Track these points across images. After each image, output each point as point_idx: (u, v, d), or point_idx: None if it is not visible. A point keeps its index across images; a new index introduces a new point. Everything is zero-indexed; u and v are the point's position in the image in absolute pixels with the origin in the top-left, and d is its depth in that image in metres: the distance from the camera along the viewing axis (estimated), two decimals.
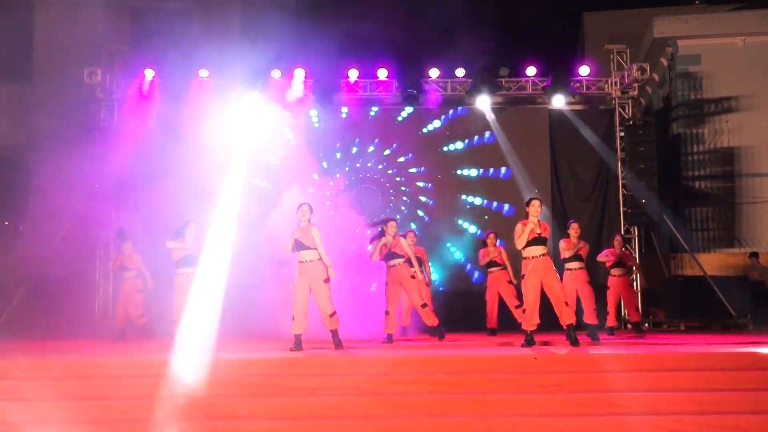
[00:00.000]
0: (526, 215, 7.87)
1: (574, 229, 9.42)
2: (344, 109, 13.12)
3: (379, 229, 9.17)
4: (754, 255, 13.17)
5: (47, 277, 11.19)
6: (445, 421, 5.34)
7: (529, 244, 7.74)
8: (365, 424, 5.32)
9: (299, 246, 7.81)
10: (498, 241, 10.55)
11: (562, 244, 9.40)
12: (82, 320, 11.15)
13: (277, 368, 6.40)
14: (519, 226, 7.84)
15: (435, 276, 12.09)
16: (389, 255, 9.02)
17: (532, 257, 7.74)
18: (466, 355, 6.76)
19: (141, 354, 7.36)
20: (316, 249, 7.80)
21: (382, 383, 5.96)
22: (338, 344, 7.68)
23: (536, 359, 6.33)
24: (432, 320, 9.08)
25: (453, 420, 5.35)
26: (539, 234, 7.73)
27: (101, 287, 12.28)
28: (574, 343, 7.59)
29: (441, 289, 12.24)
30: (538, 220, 7.82)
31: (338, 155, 13.15)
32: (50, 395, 5.69)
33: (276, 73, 12.46)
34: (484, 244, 10.60)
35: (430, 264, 10.95)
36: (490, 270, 10.45)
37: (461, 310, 11.74)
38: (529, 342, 7.74)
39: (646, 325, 12.12)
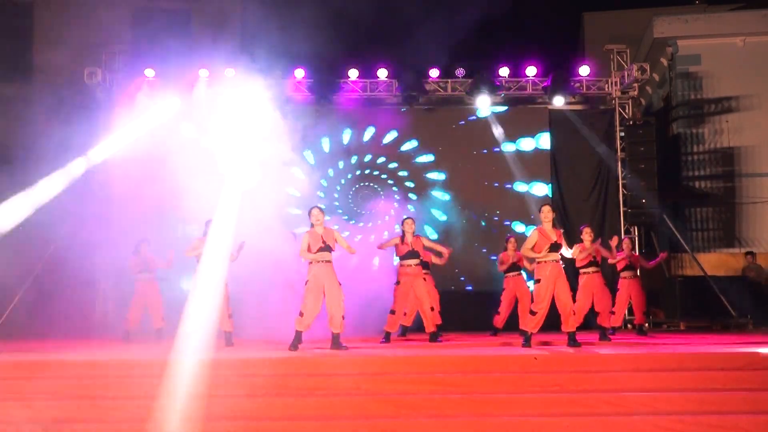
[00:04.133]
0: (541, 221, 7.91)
1: (587, 233, 9.45)
2: (344, 109, 13.13)
3: (400, 230, 9.18)
4: (750, 254, 13.21)
5: (47, 278, 11.19)
6: (445, 421, 5.33)
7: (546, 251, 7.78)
8: (365, 424, 5.31)
9: (324, 248, 7.82)
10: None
11: (576, 249, 9.37)
12: (82, 320, 11.16)
13: (278, 368, 6.39)
14: (534, 234, 7.86)
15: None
16: (409, 253, 9.02)
17: (548, 261, 7.77)
18: (466, 355, 6.76)
19: (141, 354, 7.36)
20: (332, 251, 7.85)
21: (382, 383, 5.95)
22: (340, 346, 7.69)
23: (536, 359, 6.33)
24: (432, 326, 9.08)
25: (453, 420, 5.34)
26: (555, 241, 7.77)
27: (101, 287, 12.27)
28: (575, 345, 7.63)
29: (452, 288, 12.24)
30: (552, 227, 7.85)
31: (340, 156, 13.15)
32: (51, 395, 5.69)
33: (276, 73, 12.46)
34: (504, 249, 10.60)
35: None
36: (509, 274, 10.45)
37: (462, 310, 11.75)
38: (528, 343, 7.77)
39: (647, 325, 12.11)
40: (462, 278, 12.70)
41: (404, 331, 10.23)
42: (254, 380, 6.02)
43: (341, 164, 13.14)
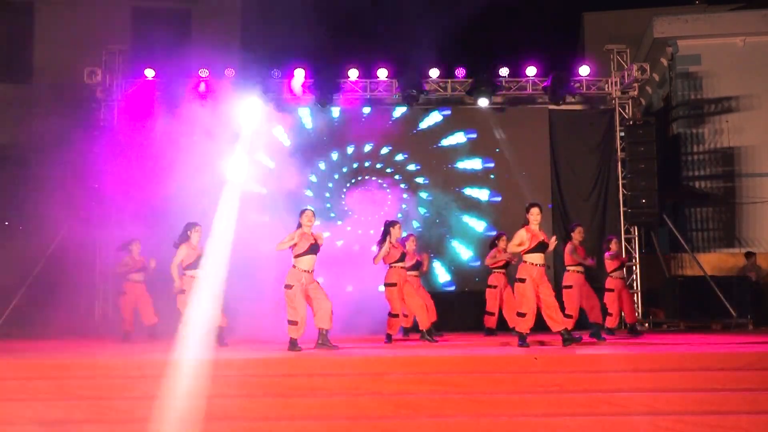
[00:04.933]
0: (527, 221, 7.92)
1: (579, 233, 9.45)
2: (344, 109, 13.14)
3: (383, 232, 9.15)
4: (750, 254, 13.21)
5: (47, 278, 11.19)
6: (445, 421, 5.33)
7: (533, 250, 7.79)
8: (365, 424, 5.31)
9: (313, 249, 7.81)
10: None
11: (569, 247, 9.37)
12: (82, 320, 11.16)
13: (277, 368, 6.39)
14: (522, 233, 7.87)
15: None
16: (400, 257, 9.06)
17: (535, 264, 7.79)
18: (466, 355, 6.76)
19: (141, 354, 7.36)
20: (316, 254, 7.87)
21: (382, 383, 5.95)
22: (329, 344, 7.70)
23: (536, 359, 6.32)
24: (425, 324, 9.08)
25: (453, 420, 5.34)
26: (542, 240, 7.80)
27: (101, 287, 12.27)
28: (573, 340, 7.66)
29: (446, 288, 12.24)
30: (539, 228, 7.88)
31: (336, 156, 13.14)
32: (51, 395, 5.69)
33: (276, 73, 12.47)
34: (493, 245, 10.60)
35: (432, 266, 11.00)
36: (497, 271, 10.45)
37: (461, 310, 11.74)
38: (524, 343, 7.77)
39: (646, 325, 12.13)
40: (461, 278, 12.69)
41: (406, 332, 10.22)
42: (254, 380, 6.03)
43: (340, 165, 13.12)
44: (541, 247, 7.81)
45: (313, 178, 12.90)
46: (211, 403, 5.55)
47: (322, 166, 13.00)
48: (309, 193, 12.84)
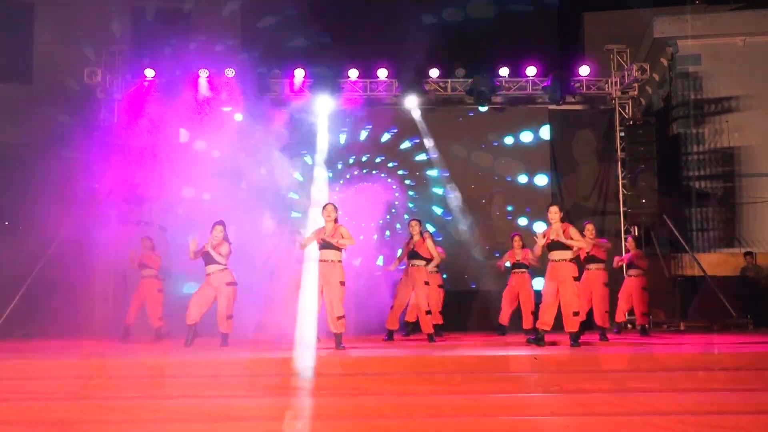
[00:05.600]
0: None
1: (589, 231, 9.46)
2: (343, 109, 13.14)
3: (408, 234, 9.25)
4: (749, 254, 13.21)
5: (47, 277, 11.19)
6: (445, 421, 5.33)
7: (551, 248, 7.88)
8: (365, 424, 5.31)
9: (324, 245, 7.76)
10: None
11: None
12: (82, 320, 11.15)
13: (278, 368, 6.39)
14: (539, 236, 7.97)
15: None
16: (411, 254, 9.05)
17: (553, 261, 7.87)
18: (466, 355, 6.76)
19: (142, 354, 7.37)
20: (339, 250, 7.77)
21: (382, 383, 5.95)
22: (340, 347, 7.68)
23: (536, 359, 6.32)
24: (428, 328, 9.08)
25: (453, 420, 5.34)
26: (552, 240, 7.82)
27: (101, 287, 12.27)
28: (575, 345, 7.66)
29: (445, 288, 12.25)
30: (562, 223, 7.91)
31: (337, 153, 13.16)
32: (51, 395, 5.69)
33: (276, 73, 12.47)
34: (510, 247, 10.62)
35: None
36: (514, 270, 10.46)
37: (463, 310, 11.74)
38: (539, 340, 7.77)
39: (648, 326, 12.11)
40: (465, 276, 12.70)
41: (408, 332, 10.21)
42: (255, 380, 6.02)
43: (341, 164, 13.13)
44: (554, 245, 7.84)
45: (302, 177, 12.92)
46: (212, 403, 5.56)
47: (322, 159, 13.03)
48: (300, 178, 12.84)
